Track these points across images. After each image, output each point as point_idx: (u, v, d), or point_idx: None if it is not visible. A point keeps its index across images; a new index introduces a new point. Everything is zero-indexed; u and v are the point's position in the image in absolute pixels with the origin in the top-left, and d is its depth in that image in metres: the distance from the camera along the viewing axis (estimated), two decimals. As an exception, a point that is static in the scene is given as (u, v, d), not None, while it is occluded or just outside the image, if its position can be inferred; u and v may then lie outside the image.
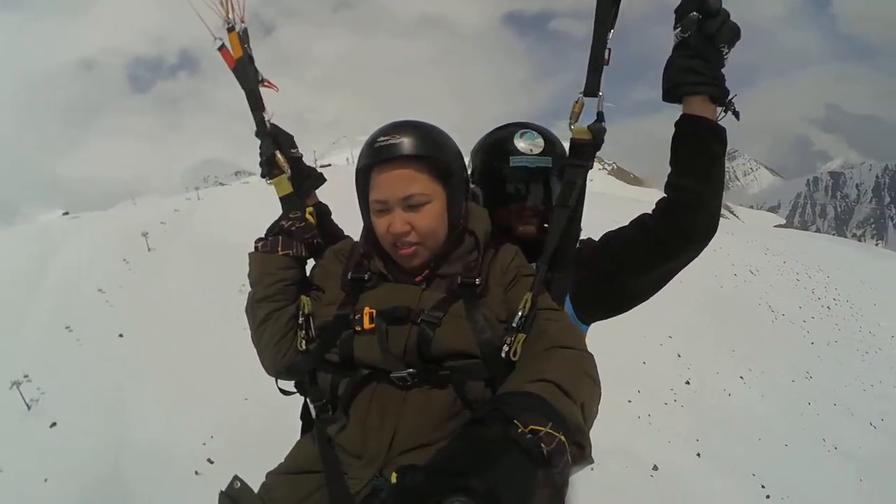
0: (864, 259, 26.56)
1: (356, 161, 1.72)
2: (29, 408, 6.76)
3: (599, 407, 1.39)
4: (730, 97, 1.71)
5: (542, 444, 1.08)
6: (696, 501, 6.98)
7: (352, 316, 1.61)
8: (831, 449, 10.01)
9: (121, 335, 8.34)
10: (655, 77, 1.81)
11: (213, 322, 8.56)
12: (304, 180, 2.13)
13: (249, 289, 1.83)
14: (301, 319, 1.76)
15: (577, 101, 1.77)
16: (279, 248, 1.81)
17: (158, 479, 5.65)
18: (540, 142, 2.09)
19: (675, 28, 1.71)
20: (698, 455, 8.12)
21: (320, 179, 2.18)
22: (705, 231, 1.79)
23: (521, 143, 2.09)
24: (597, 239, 2.06)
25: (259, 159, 2.07)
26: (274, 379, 1.80)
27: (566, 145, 1.99)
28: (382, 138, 1.63)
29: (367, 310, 1.59)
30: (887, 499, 8.85)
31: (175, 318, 8.91)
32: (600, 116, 1.78)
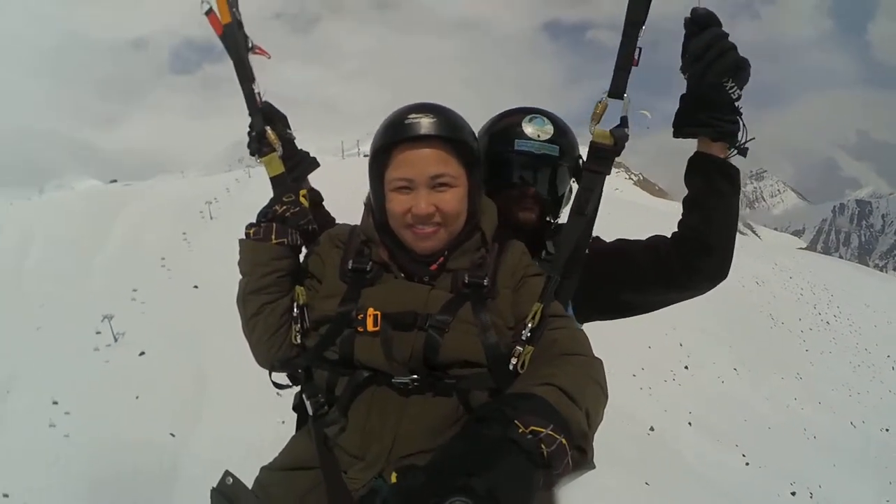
0: (872, 285, 27.48)
1: (374, 140, 1.60)
2: (116, 339, 8.01)
3: (608, 379, 1.42)
4: (738, 136, 1.65)
5: (543, 446, 1.07)
6: (685, 459, 8.30)
7: (354, 314, 1.50)
8: (810, 437, 11.31)
9: (196, 286, 9.59)
10: (682, 88, 1.70)
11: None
12: (298, 164, 1.99)
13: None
14: (296, 312, 1.65)
15: (600, 102, 1.62)
16: (272, 237, 1.66)
17: (240, 399, 6.39)
18: (549, 128, 1.94)
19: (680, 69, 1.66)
20: (689, 424, 9.50)
21: (314, 164, 2.04)
22: (713, 273, 1.75)
23: (528, 128, 1.94)
24: (607, 240, 2.01)
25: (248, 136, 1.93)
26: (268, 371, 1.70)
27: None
28: (413, 116, 1.52)
29: (371, 311, 1.49)
30: (856, 480, 10.20)
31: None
32: (624, 121, 1.64)
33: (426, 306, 1.50)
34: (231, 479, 1.51)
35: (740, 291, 18.33)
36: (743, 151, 1.66)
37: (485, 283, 1.53)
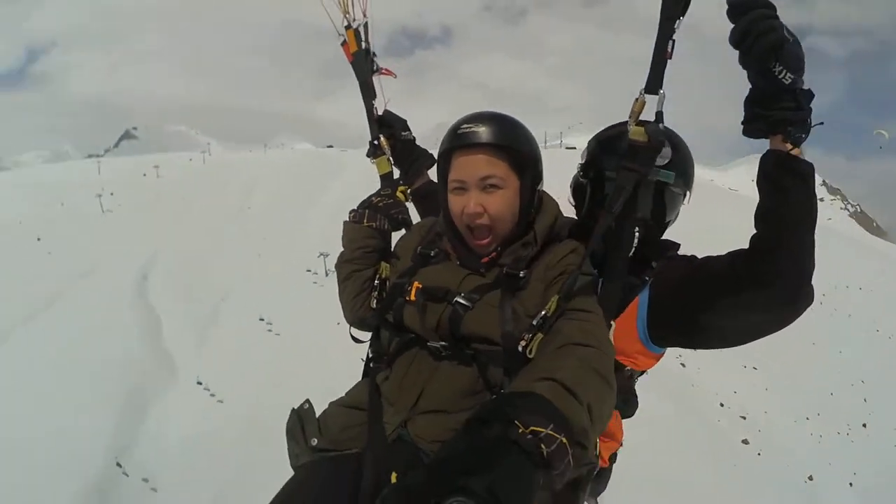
0: None
1: (439, 146, 1.78)
2: (328, 275, 9.30)
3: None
4: (792, 126, 1.45)
5: (543, 446, 1.07)
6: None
7: (406, 286, 1.73)
8: None
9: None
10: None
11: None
12: (414, 161, 2.32)
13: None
14: (377, 282, 1.96)
15: (637, 99, 1.61)
16: (364, 220, 2.01)
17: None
18: (668, 152, 1.67)
19: None
20: (850, 485, 8.73)
21: (430, 161, 2.30)
22: (782, 290, 1.50)
23: None
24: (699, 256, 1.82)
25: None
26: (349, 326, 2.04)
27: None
28: (466, 125, 1.68)
29: (415, 284, 1.71)
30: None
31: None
32: (659, 117, 1.63)
33: (460, 286, 1.68)
34: (307, 406, 1.84)
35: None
36: (796, 141, 1.47)
37: (521, 275, 1.65)
